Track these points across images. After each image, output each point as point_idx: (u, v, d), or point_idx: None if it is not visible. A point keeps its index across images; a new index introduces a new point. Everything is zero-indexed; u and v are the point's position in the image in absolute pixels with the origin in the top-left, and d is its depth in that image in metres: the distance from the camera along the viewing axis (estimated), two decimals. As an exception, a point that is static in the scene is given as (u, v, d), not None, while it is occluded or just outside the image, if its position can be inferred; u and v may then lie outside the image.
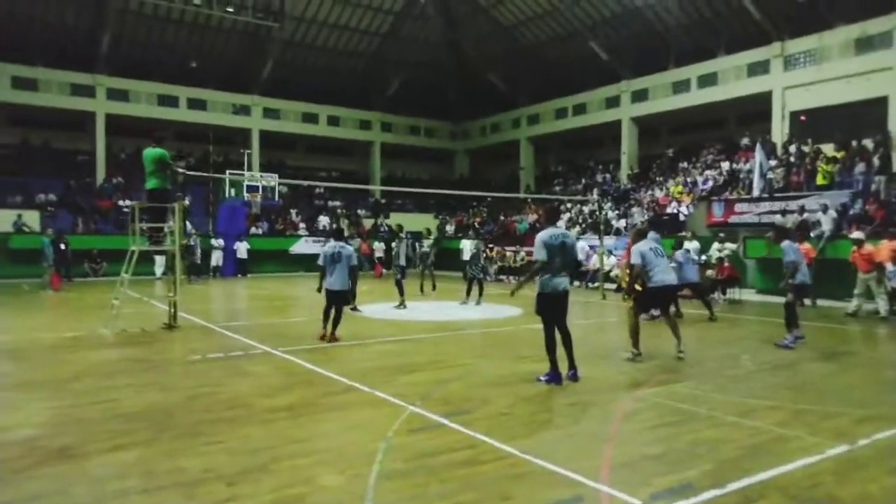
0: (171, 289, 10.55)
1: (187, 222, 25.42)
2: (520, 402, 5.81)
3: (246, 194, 24.84)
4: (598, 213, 22.20)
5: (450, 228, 30.89)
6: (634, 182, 26.52)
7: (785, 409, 5.63)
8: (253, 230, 26.51)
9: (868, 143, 18.87)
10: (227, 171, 24.07)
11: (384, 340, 9.45)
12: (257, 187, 25.05)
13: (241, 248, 24.49)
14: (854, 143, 19.12)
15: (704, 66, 24.42)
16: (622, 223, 22.14)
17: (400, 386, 6.36)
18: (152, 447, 4.53)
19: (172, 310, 10.41)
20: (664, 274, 7.97)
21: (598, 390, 6.30)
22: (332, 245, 9.15)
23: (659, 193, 23.67)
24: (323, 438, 4.79)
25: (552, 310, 6.59)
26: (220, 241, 24.11)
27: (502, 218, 29.76)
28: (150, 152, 10.21)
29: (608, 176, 28.50)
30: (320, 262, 9.12)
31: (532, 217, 27.82)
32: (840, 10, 20.20)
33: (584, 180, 29.34)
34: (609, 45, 27.07)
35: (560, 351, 6.57)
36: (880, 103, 19.15)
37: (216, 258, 23.85)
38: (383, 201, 33.48)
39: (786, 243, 8.93)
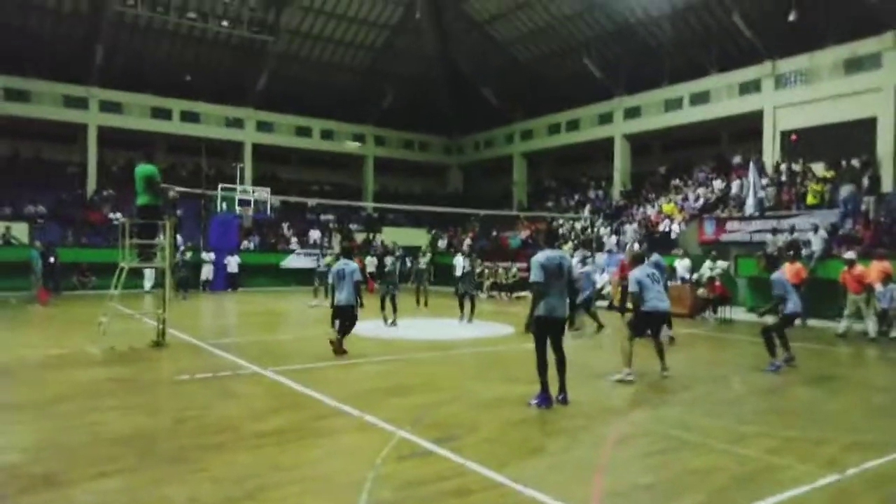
0: (160, 304, 10.49)
1: (178, 237, 25.41)
2: (511, 427, 5.79)
3: (238, 208, 24.79)
4: (590, 229, 22.35)
5: (442, 243, 30.92)
6: (626, 199, 26.66)
7: (775, 435, 5.63)
8: (244, 244, 26.45)
9: (857, 163, 19.09)
10: (220, 185, 24.11)
11: (375, 360, 9.41)
12: (249, 201, 25.01)
13: (232, 263, 24.42)
14: (844, 162, 19.35)
15: (697, 84, 24.68)
16: (614, 240, 22.22)
17: (390, 409, 6.33)
18: (138, 474, 4.48)
19: (161, 326, 10.34)
20: (657, 300, 8.10)
21: (589, 415, 6.28)
22: (339, 263, 10.15)
23: (651, 211, 23.80)
24: (310, 466, 4.75)
25: (546, 332, 6.59)
26: (212, 255, 24.03)
27: (495, 233, 29.83)
28: (141, 170, 10.20)
29: (600, 192, 28.64)
30: (330, 279, 10.25)
31: (525, 233, 27.90)
32: (830, 31, 20.49)
33: (576, 196, 29.48)
34: (602, 62, 27.32)
35: (552, 372, 6.57)
36: (869, 124, 19.38)
37: (206, 272, 23.75)
38: (376, 215, 33.51)
39: (775, 275, 8.97)
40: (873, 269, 12.87)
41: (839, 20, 20.30)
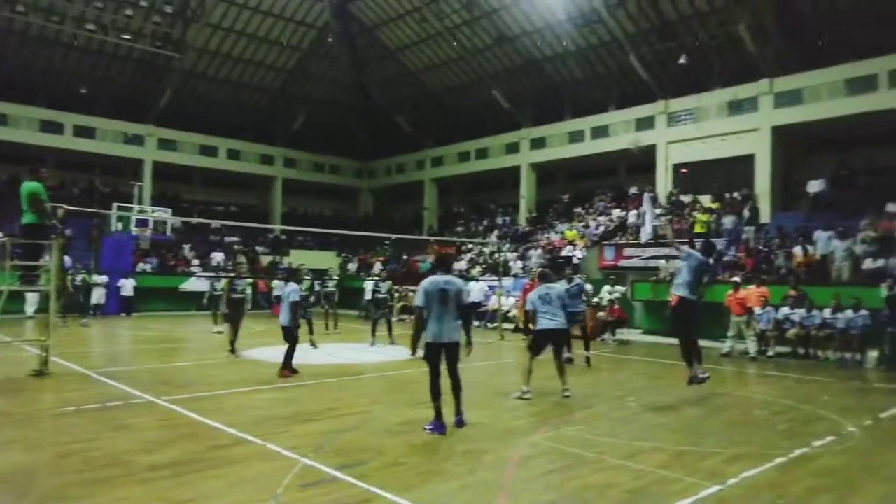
0: (42, 331, 9.74)
1: (66, 257, 23.71)
2: (416, 451, 5.79)
3: (134, 228, 23.51)
4: (497, 254, 22.87)
5: (352, 266, 30.63)
6: (532, 225, 27.54)
7: (666, 450, 5.95)
8: (141, 266, 25.06)
9: (738, 195, 20.72)
10: (115, 204, 22.86)
11: (278, 386, 9.14)
12: (147, 221, 23.79)
13: (127, 286, 22.98)
14: (727, 195, 20.94)
15: (597, 118, 26.03)
16: (520, 265, 22.83)
17: (292, 437, 6.17)
18: (10, 515, 4.12)
19: (44, 354, 9.59)
20: (547, 319, 8.43)
21: (492, 437, 6.39)
22: (278, 285, 10.14)
23: (555, 237, 24.69)
24: (207, 499, 4.54)
25: (437, 358, 6.64)
26: (103, 278, 22.55)
27: (405, 257, 29.91)
28: (25, 187, 9.49)
29: (508, 219, 29.43)
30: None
31: (433, 257, 28.15)
32: (715, 76, 22.26)
33: (485, 222, 30.14)
34: (510, 95, 28.30)
35: (449, 397, 6.64)
36: (749, 160, 21.12)
37: (97, 296, 22.25)
38: (283, 238, 32.75)
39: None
40: (753, 294, 14.01)
41: (723, 66, 22.12)
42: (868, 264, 14.62)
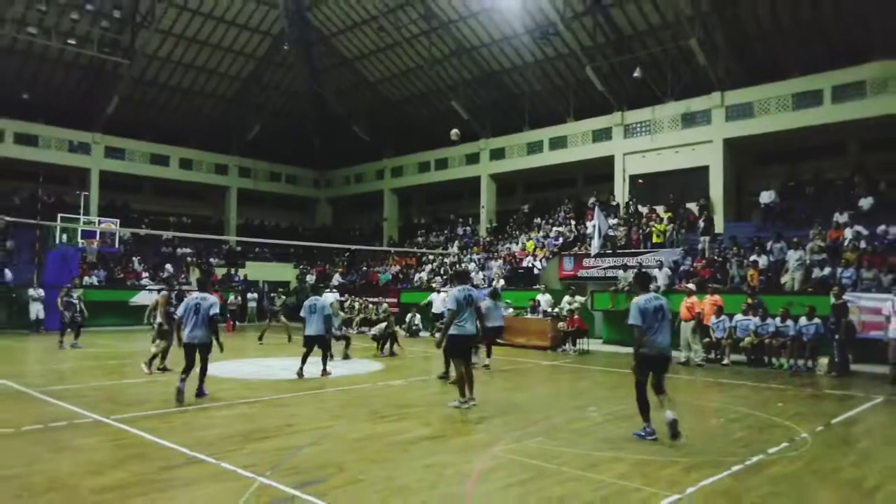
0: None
1: (6, 270, 22.81)
2: (376, 467, 5.72)
3: (81, 240, 22.73)
4: (458, 265, 22.93)
5: (310, 279, 30.27)
6: (493, 236, 27.72)
7: (626, 460, 6.03)
8: (87, 279, 24.22)
9: (693, 206, 21.29)
10: (59, 215, 22.14)
11: (234, 403, 8.93)
12: (95, 233, 23.04)
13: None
14: (682, 207, 21.49)
15: (555, 129, 26.44)
16: (480, 276, 22.93)
17: (248, 455, 6.02)
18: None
19: (-19, 374, 9.16)
20: (466, 323, 8.33)
21: (453, 450, 6.37)
22: (193, 296, 9.08)
23: (515, 248, 24.90)
24: (157, 521, 4.40)
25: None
26: (40, 292, 21.68)
27: (365, 268, 29.73)
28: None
29: (468, 229, 29.56)
30: (180, 312, 9.06)
31: (395, 268, 28.06)
32: (669, 89, 22.88)
33: (446, 232, 30.20)
34: (469, 105, 28.51)
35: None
36: (703, 171, 21.75)
37: (35, 310, 21.40)
38: (239, 249, 32.18)
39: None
40: (706, 302, 14.39)
41: (676, 80, 22.77)
42: (817, 273, 15.18)
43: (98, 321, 23.03)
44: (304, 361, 11.46)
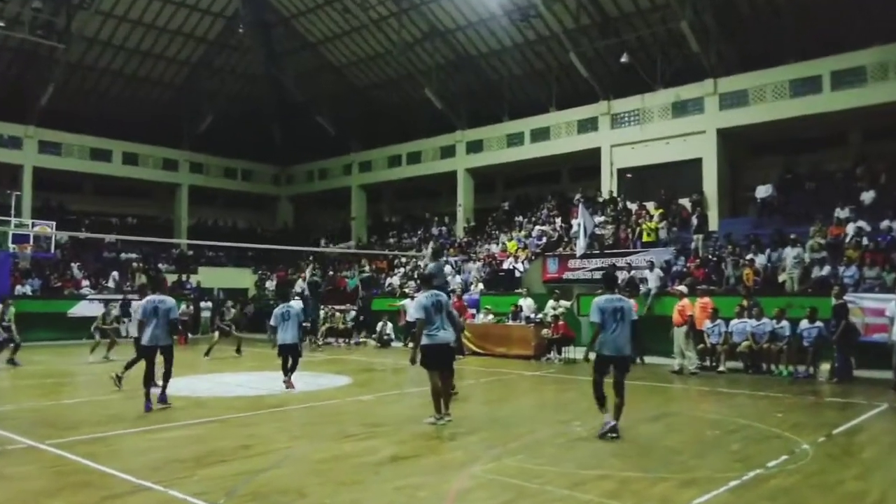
0: None
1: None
2: (342, 490, 5.69)
3: (12, 245, 22.27)
4: (440, 251, 22.87)
5: (270, 285, 30.01)
6: (471, 235, 27.75)
7: (614, 477, 6.08)
8: (19, 289, 23.70)
9: (686, 201, 21.55)
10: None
11: (185, 423, 8.80)
12: (27, 236, 22.60)
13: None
14: (674, 203, 21.72)
15: (537, 119, 26.59)
16: (458, 280, 22.94)
17: (199, 481, 5.95)
18: None
19: None
20: (438, 331, 8.31)
21: (427, 470, 6.36)
22: (151, 299, 9.65)
23: (495, 248, 24.94)
24: (97, 557, 4.32)
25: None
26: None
27: (331, 273, 29.53)
28: None
29: (444, 229, 29.53)
30: (139, 316, 9.63)
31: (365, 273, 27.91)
32: (659, 76, 23.15)
33: (420, 232, 30.11)
34: (444, 93, 28.52)
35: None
36: (696, 164, 22.04)
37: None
38: (190, 253, 31.77)
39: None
40: (697, 306, 14.57)
41: (667, 66, 23.05)
42: (817, 272, 15.45)
43: (32, 335, 22.55)
44: (285, 371, 11.77)
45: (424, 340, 8.33)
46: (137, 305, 10.55)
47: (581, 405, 10.36)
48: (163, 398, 9.68)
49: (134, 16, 27.84)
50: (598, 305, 7.66)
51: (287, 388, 11.55)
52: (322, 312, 23.49)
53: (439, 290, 8.93)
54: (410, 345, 11.42)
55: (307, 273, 21.67)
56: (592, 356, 7.88)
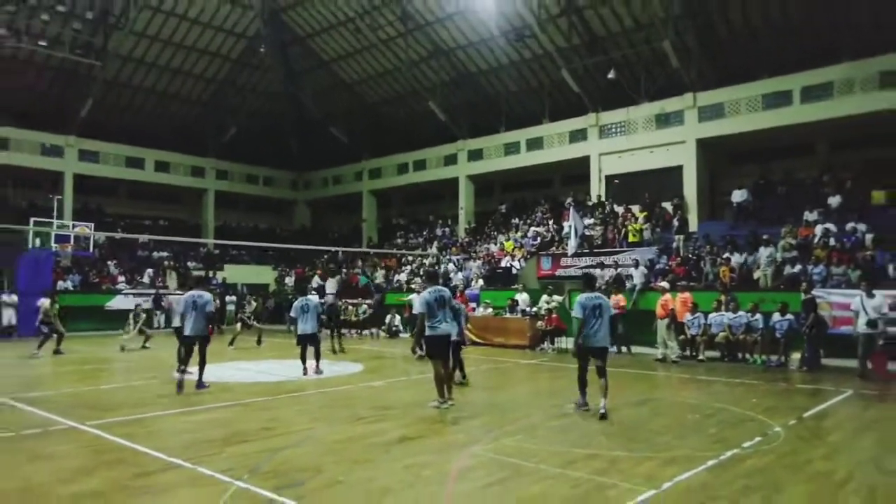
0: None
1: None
2: (355, 469, 5.69)
3: (54, 245, 22.30)
4: (436, 266, 22.89)
5: (289, 281, 30.03)
6: (472, 236, 27.75)
7: (603, 457, 6.07)
8: (61, 284, 23.77)
9: (668, 205, 21.52)
10: (32, 220, 21.76)
11: (211, 407, 8.82)
12: (68, 237, 22.62)
13: (47, 305, 21.72)
14: (657, 206, 21.70)
15: (531, 130, 26.54)
16: (460, 276, 22.94)
17: (226, 459, 5.95)
18: None
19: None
20: (441, 323, 8.31)
21: (432, 450, 6.36)
22: (191, 293, 10.08)
23: (494, 248, 24.94)
24: (132, 528, 4.32)
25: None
26: (13, 298, 21.23)
27: (344, 270, 29.53)
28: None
29: (447, 230, 29.55)
30: (181, 309, 10.25)
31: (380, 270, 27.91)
32: (643, 90, 23.09)
33: (425, 233, 30.16)
34: (447, 107, 28.50)
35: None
36: (677, 171, 21.99)
37: (7, 316, 20.99)
38: (217, 252, 31.81)
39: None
40: (678, 300, 14.57)
41: (650, 81, 22.99)
42: (788, 270, 15.42)
43: (73, 326, 22.61)
44: (304, 360, 11.91)
45: (428, 332, 8.33)
46: (179, 300, 11.05)
47: (573, 390, 10.31)
48: (201, 384, 10.07)
49: (165, 35, 27.85)
50: (581, 303, 8.00)
51: (315, 373, 11.77)
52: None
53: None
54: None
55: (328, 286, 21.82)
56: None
